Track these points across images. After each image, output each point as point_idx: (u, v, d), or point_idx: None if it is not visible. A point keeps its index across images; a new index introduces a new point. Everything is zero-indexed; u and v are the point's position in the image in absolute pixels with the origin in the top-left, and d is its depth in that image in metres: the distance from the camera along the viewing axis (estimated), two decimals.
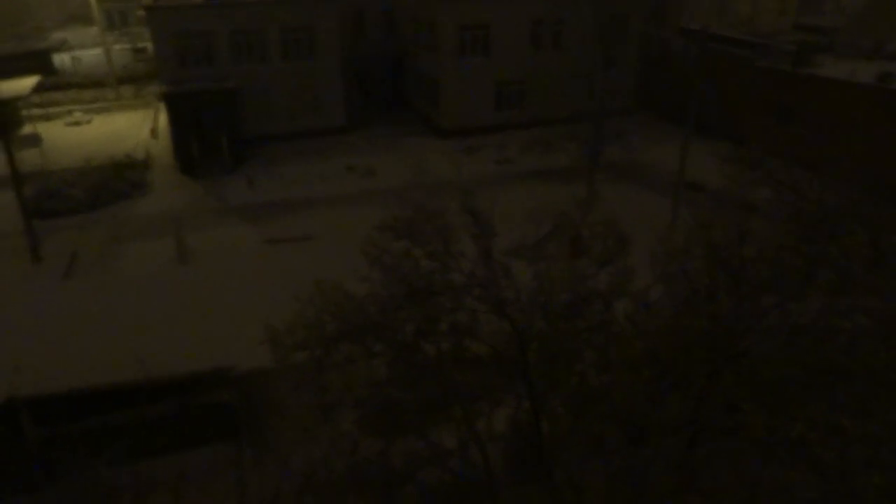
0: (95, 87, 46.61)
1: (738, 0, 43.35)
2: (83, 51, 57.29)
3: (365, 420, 10.94)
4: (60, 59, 53.21)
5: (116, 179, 29.92)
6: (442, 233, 10.75)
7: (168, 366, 16.80)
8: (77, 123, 40.05)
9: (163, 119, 37.04)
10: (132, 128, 38.85)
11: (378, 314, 10.71)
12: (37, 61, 48.62)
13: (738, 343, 9.43)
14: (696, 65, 24.78)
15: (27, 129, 35.91)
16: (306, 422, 11.59)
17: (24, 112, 37.78)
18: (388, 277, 10.79)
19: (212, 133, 32.01)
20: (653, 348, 9.80)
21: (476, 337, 10.39)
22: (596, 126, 27.85)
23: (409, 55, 39.68)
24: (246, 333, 14.96)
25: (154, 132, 37.57)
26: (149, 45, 48.89)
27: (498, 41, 35.35)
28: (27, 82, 37.46)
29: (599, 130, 28.01)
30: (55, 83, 45.97)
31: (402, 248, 10.86)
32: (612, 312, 10.25)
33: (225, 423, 15.79)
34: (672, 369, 9.59)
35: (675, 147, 26.10)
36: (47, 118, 40.25)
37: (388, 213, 11.54)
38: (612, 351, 10.06)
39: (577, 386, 10.35)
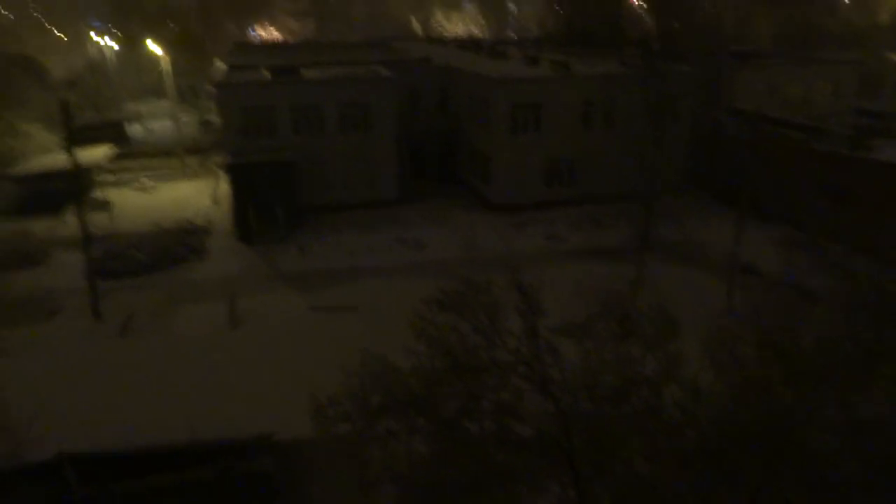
0: (164, 156, 49.02)
1: (791, 82, 43.31)
2: (154, 122, 60.76)
3: (405, 498, 10.70)
4: (133, 129, 56.47)
5: (177, 244, 31.07)
6: (489, 308, 10.73)
7: (212, 429, 16.91)
8: (144, 190, 42.01)
9: (224, 188, 38.53)
10: (195, 195, 40.51)
11: (421, 388, 10.63)
12: (112, 131, 51.68)
13: (796, 437, 8.97)
14: (750, 146, 24.64)
15: (98, 193, 37.81)
16: (345, 496, 11.39)
17: (97, 177, 39.85)
18: (433, 351, 10.76)
19: (269, 202, 33.11)
20: (704, 439, 9.40)
21: (520, 417, 10.17)
22: (647, 205, 27.72)
23: (462, 131, 40.68)
24: (290, 401, 15.02)
25: (215, 200, 39.06)
26: (215, 118, 51.57)
27: (549, 119, 36.00)
28: (102, 150, 39.77)
29: (650, 210, 27.86)
30: (127, 151, 48.60)
31: (449, 322, 10.85)
32: (662, 398, 9.93)
33: (264, 492, 15.64)
34: (724, 462, 9.15)
35: (728, 228, 25.67)
36: (118, 184, 42.34)
37: (436, 286, 11.60)
38: (661, 439, 9.69)
39: (624, 474, 9.94)
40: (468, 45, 55.34)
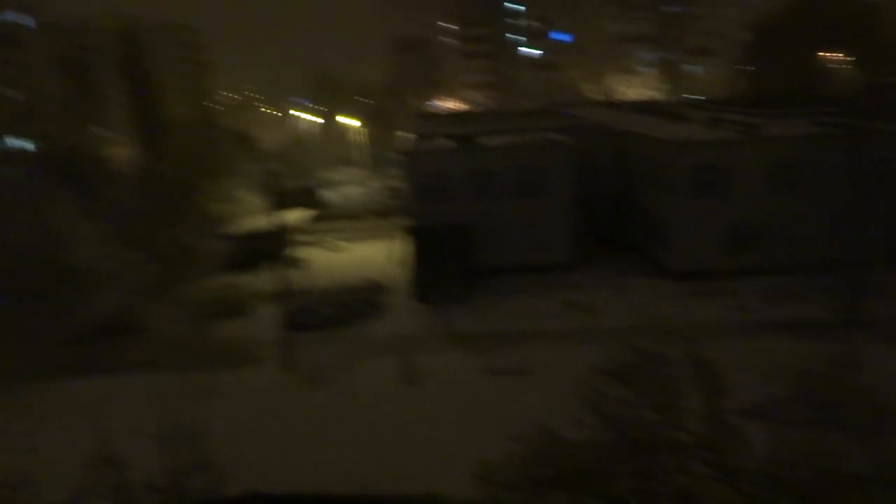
0: (353, 219, 52.95)
1: None
2: (346, 188, 66.03)
3: None
4: (328, 195, 61.76)
5: (360, 300, 33.06)
6: (666, 383, 10.16)
7: (382, 483, 17.40)
8: (334, 249, 45.42)
9: (405, 249, 40.55)
10: (378, 255, 43.04)
11: (591, 463, 10.20)
12: (309, 196, 56.98)
13: None
14: None
15: (294, 252, 41.42)
16: None
17: (294, 238, 43.70)
18: (604, 425, 10.34)
19: (446, 264, 34.35)
20: None
21: None
22: (854, 276, 24.96)
23: (638, 195, 39.71)
24: (458, 462, 15.09)
25: (396, 260, 41.19)
26: (400, 184, 54.93)
27: (734, 183, 34.09)
28: (299, 213, 43.80)
29: (858, 281, 25.04)
30: (321, 214, 53.13)
31: (622, 395, 10.41)
32: (872, 501, 8.66)
33: None
34: None
35: None
36: (311, 244, 46.18)
37: (608, 356, 11.22)
38: None
39: None
40: (645, 108, 54.43)
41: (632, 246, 40.27)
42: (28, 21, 69.61)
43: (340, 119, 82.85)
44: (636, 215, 40.16)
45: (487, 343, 28.50)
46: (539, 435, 10.51)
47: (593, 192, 40.17)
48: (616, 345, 13.54)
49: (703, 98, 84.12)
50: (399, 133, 51.99)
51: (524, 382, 24.40)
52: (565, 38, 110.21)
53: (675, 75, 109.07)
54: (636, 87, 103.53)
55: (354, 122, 56.14)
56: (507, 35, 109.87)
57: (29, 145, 66.93)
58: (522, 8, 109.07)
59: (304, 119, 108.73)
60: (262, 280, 37.74)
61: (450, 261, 34.29)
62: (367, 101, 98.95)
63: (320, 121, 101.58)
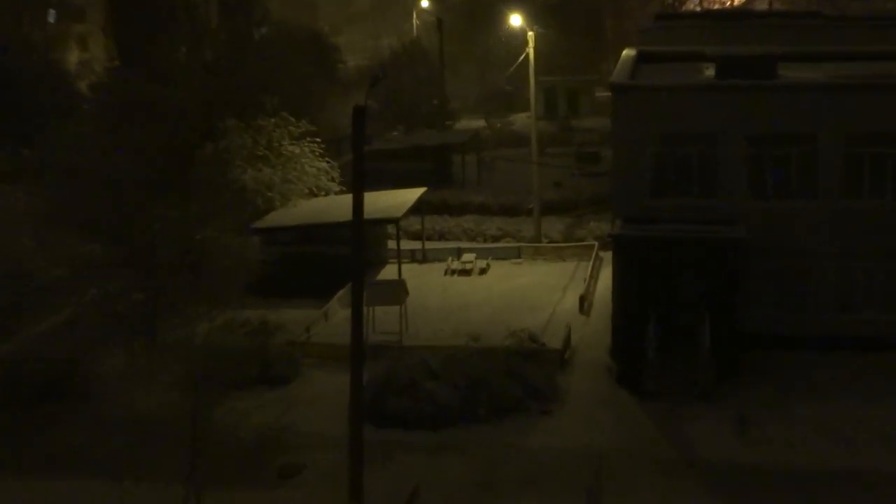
0: (506, 214, 52.77)
1: None
2: (498, 154, 66.36)
3: None
4: (463, 166, 62.23)
5: (509, 377, 32.31)
6: None
7: None
8: (464, 270, 45.33)
9: (603, 281, 39.58)
10: (548, 289, 42.47)
11: None
12: (427, 163, 57.78)
13: None
14: None
15: (388, 271, 41.78)
16: None
17: (388, 243, 44.12)
18: None
19: (685, 315, 33.00)
20: None
21: None
22: None
23: None
24: None
25: (585, 302, 40.27)
26: (603, 151, 53.98)
27: None
28: (408, 195, 44.07)
29: None
30: (447, 200, 53.46)
31: None
32: None
33: None
34: None
35: None
36: (423, 259, 46.41)
37: None
38: None
39: None
40: None
41: None
42: None
43: (498, 18, 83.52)
44: None
45: (761, 490, 27.00)
46: None
47: None
48: None
49: None
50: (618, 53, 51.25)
51: None
52: None
53: None
54: None
55: (524, 26, 55.77)
56: None
57: None
58: None
59: (428, 12, 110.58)
60: (327, 319, 38.21)
61: (691, 309, 32.97)
62: None
63: (453, 21, 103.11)
